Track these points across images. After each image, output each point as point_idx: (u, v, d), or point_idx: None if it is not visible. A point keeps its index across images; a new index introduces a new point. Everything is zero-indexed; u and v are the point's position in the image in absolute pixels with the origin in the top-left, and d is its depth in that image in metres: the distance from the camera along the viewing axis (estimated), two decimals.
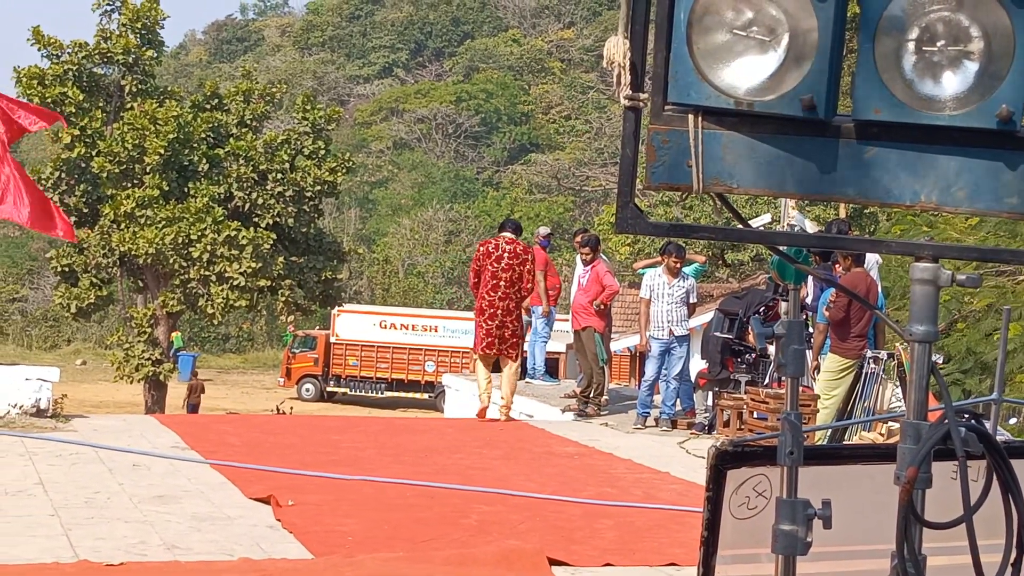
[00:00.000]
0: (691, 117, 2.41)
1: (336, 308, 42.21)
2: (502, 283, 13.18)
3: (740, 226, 2.84)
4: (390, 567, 6.41)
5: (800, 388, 10.61)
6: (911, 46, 2.31)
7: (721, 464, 2.60)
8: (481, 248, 13.56)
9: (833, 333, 11.60)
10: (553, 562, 6.72)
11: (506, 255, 13.22)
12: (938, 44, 2.30)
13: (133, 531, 6.95)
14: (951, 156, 2.36)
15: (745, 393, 12.65)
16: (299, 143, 34.68)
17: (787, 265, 12.60)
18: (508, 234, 13.44)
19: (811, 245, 12.05)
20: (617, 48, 2.45)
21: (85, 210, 33.12)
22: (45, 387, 11.28)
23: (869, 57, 2.31)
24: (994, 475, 2.37)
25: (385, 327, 45.55)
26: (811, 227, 19.51)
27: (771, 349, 13.14)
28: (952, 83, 2.31)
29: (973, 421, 2.37)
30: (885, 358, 11.48)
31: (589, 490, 9.05)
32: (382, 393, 44.99)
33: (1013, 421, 16.81)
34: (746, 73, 2.34)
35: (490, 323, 13.19)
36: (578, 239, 15.61)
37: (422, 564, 6.49)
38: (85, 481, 8.38)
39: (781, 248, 3.18)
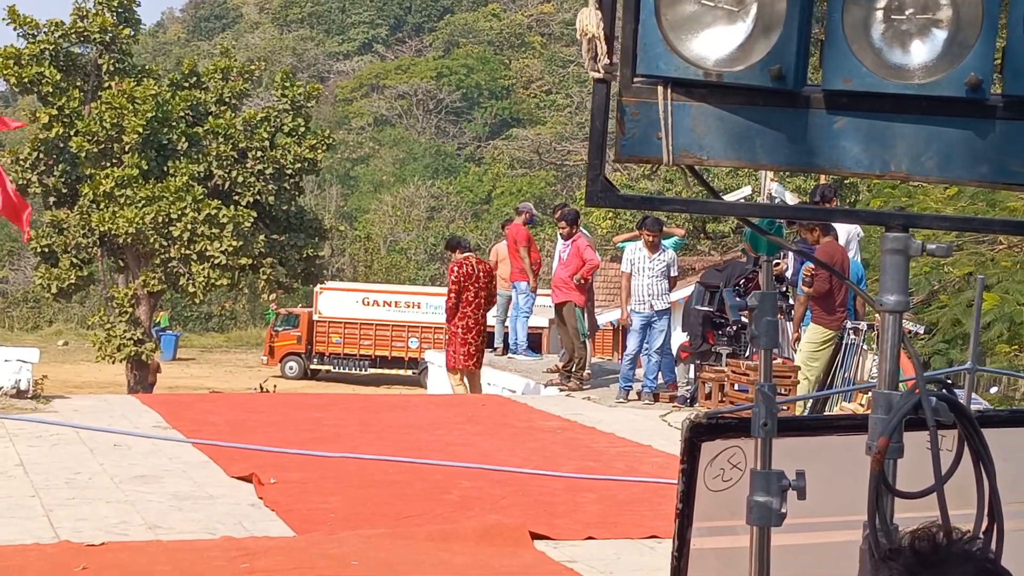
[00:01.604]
0: (660, 89, 2.39)
1: (318, 286, 42.06)
2: (483, 301, 14.31)
3: (712, 198, 2.83)
4: (373, 544, 6.42)
5: (779, 359, 10.55)
6: (880, 15, 2.29)
7: (695, 436, 2.60)
8: (459, 269, 14.33)
9: (818, 305, 11.60)
10: (535, 536, 6.74)
11: (481, 275, 14.32)
12: (907, 12, 2.29)
13: (114, 511, 6.95)
14: (920, 125, 2.35)
15: (726, 365, 12.68)
16: (279, 121, 34.48)
17: (760, 237, 12.60)
18: (473, 255, 14.68)
19: (783, 216, 12.05)
20: (590, 19, 2.43)
21: (64, 190, 32.91)
22: (25, 368, 11.25)
23: (838, 26, 2.30)
24: (965, 444, 2.37)
25: (368, 304, 45.42)
26: (791, 199, 19.51)
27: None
28: (921, 52, 2.30)
29: (945, 390, 2.36)
30: (865, 329, 11.51)
31: (571, 464, 9.07)
32: (365, 370, 44.90)
33: (994, 390, 16.88)
34: (715, 44, 2.33)
35: (478, 339, 14.25)
36: (556, 214, 15.60)
37: (405, 540, 6.50)
38: (66, 462, 8.36)
39: (754, 220, 3.18)
